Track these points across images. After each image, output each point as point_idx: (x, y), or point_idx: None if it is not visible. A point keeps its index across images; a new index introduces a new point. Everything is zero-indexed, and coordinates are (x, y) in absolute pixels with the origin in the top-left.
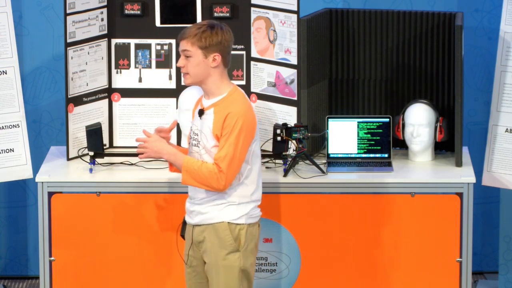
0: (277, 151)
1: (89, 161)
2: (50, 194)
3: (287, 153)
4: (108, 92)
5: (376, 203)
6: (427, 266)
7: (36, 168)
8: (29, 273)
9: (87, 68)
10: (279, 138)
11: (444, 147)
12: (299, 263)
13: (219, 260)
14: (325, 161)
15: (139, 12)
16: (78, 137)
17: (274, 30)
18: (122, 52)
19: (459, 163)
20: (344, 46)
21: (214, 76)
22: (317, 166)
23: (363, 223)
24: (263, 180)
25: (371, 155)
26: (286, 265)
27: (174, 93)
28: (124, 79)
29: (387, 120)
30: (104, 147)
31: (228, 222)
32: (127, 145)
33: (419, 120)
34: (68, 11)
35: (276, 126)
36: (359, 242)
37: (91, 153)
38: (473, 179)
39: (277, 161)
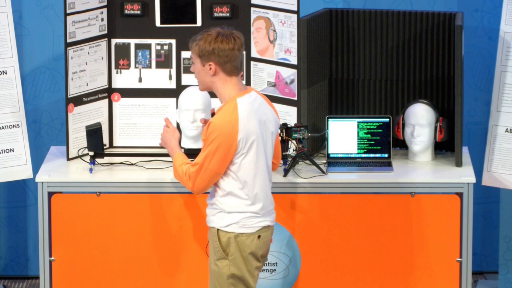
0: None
1: (89, 161)
2: (50, 194)
3: (287, 153)
4: (108, 92)
5: (376, 203)
6: (427, 266)
7: (36, 168)
8: (29, 273)
9: (87, 68)
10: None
11: (444, 147)
12: (299, 263)
13: (212, 264)
14: (325, 161)
15: (139, 12)
16: (78, 137)
17: (274, 30)
18: (122, 52)
19: (459, 163)
20: (344, 46)
21: (217, 83)
22: (317, 166)
23: (363, 223)
24: None
25: (371, 155)
26: (286, 265)
27: (174, 93)
28: (124, 79)
29: (387, 120)
30: (104, 147)
31: (217, 229)
32: (127, 145)
33: (419, 120)
34: (68, 11)
35: None
36: (359, 242)
37: (91, 153)
38: (473, 179)
39: None
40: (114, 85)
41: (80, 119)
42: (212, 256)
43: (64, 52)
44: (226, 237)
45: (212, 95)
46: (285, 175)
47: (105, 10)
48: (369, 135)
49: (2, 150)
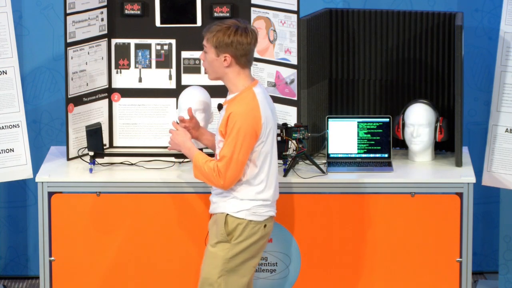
0: (277, 151)
1: (89, 161)
2: (50, 194)
3: (287, 153)
4: (108, 92)
5: (376, 203)
6: (427, 266)
7: (36, 168)
8: (29, 273)
9: (87, 68)
10: (279, 138)
11: (444, 147)
12: (299, 263)
13: (209, 246)
14: (325, 161)
15: (139, 12)
16: (78, 137)
17: (274, 30)
18: (122, 52)
19: (459, 163)
20: (344, 46)
21: (230, 74)
22: (317, 166)
23: (363, 223)
24: None
25: (371, 155)
26: (286, 265)
27: (174, 93)
28: (124, 79)
29: (387, 120)
30: (104, 147)
31: (227, 214)
32: (127, 145)
33: (419, 120)
34: (68, 11)
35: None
36: (359, 242)
37: (91, 153)
38: (473, 179)
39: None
40: (114, 85)
41: (80, 119)
42: (212, 239)
43: (64, 52)
44: (235, 223)
45: (212, 95)
46: (285, 175)
47: (105, 10)
48: (369, 135)
49: (2, 150)
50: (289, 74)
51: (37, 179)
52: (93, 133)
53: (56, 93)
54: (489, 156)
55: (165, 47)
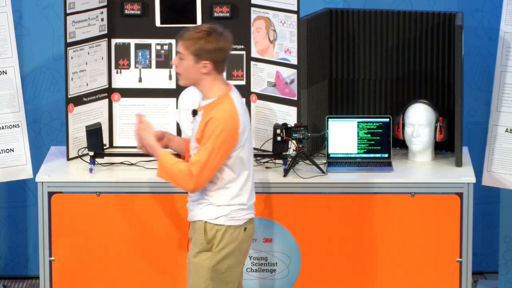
0: (277, 151)
1: (89, 161)
2: (50, 194)
3: (287, 153)
4: (108, 92)
5: (376, 203)
6: (427, 266)
7: (36, 168)
8: (29, 273)
9: (87, 68)
10: (279, 138)
11: (444, 147)
12: (299, 263)
13: (191, 257)
14: (325, 161)
15: (139, 12)
16: (78, 137)
17: (274, 30)
18: (122, 52)
19: (459, 163)
20: (344, 46)
21: (206, 80)
22: (317, 166)
23: (363, 223)
24: (263, 180)
25: (371, 155)
26: (286, 265)
27: (174, 93)
28: (124, 79)
29: (387, 120)
30: (104, 147)
31: (205, 222)
32: (127, 145)
33: (419, 120)
34: (68, 11)
35: (276, 126)
36: (359, 242)
37: (91, 153)
38: (473, 179)
39: (277, 161)
40: (114, 85)
41: (80, 119)
42: (193, 249)
43: (64, 52)
44: (214, 230)
45: None
46: (285, 175)
47: (105, 10)
48: (369, 135)
49: (2, 150)
50: (289, 74)
51: (37, 179)
52: (93, 133)
53: (56, 93)
54: (489, 156)
55: (165, 47)
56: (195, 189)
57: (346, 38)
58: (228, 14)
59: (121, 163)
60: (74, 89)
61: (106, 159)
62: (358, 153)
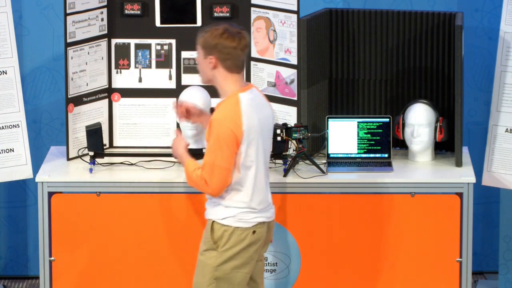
0: (277, 151)
1: (89, 161)
2: (50, 194)
3: (287, 153)
4: (108, 92)
5: (376, 203)
6: (427, 266)
7: (36, 168)
8: (29, 273)
9: (87, 68)
10: (279, 138)
11: (444, 147)
12: (299, 263)
13: (199, 254)
14: (325, 161)
15: (139, 12)
16: (78, 137)
17: (274, 30)
18: (122, 52)
19: (459, 163)
20: (344, 46)
21: (218, 78)
22: (317, 166)
23: (363, 223)
24: None
25: (371, 155)
26: (286, 265)
27: (174, 93)
28: (124, 79)
29: (387, 120)
30: (104, 147)
31: (213, 221)
32: (127, 145)
33: (419, 120)
34: (68, 11)
35: (276, 126)
36: (359, 242)
37: (91, 153)
38: (473, 179)
39: (277, 161)
40: (114, 85)
41: (80, 119)
42: (202, 246)
43: (64, 52)
44: (221, 230)
45: (212, 95)
46: (285, 175)
47: (105, 10)
48: (369, 135)
49: (2, 150)
50: (289, 74)
51: (37, 179)
52: (93, 133)
53: (56, 93)
54: (489, 156)
55: (165, 47)
56: (213, 193)
57: (346, 38)
58: (228, 14)
59: (121, 163)
60: (74, 89)
61: (106, 159)
62: (358, 153)
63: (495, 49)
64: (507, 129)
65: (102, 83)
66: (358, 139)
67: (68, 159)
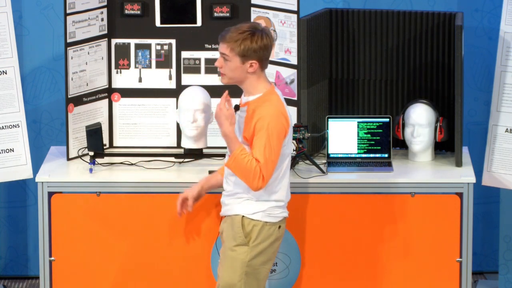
0: None
1: (89, 161)
2: (50, 194)
3: None
4: (108, 92)
5: (376, 203)
6: (427, 266)
7: (36, 168)
8: (29, 273)
9: (87, 68)
10: None
11: (444, 147)
12: (299, 263)
13: (228, 250)
14: (325, 161)
15: (139, 12)
16: (78, 137)
17: (274, 30)
18: (122, 52)
19: (459, 163)
20: (344, 46)
21: (251, 78)
22: (317, 166)
23: (363, 223)
24: None
25: (371, 155)
26: (286, 265)
27: (174, 93)
28: (124, 79)
29: (387, 120)
30: (104, 147)
31: (243, 216)
32: (127, 145)
33: (419, 120)
34: (68, 11)
35: None
36: (359, 242)
37: (91, 153)
38: (473, 179)
39: None
40: (114, 85)
41: (80, 119)
42: (231, 242)
43: (64, 52)
44: (251, 225)
45: (212, 95)
46: None
47: (105, 10)
48: (369, 135)
49: (2, 150)
50: (289, 74)
51: (37, 179)
52: (93, 133)
53: (56, 93)
54: (489, 156)
55: (165, 47)
56: (262, 187)
57: (346, 38)
58: (228, 14)
59: (121, 163)
60: (74, 89)
61: (106, 159)
62: (358, 153)
63: (495, 49)
64: (507, 129)
65: (102, 83)
66: (358, 139)
67: (68, 159)
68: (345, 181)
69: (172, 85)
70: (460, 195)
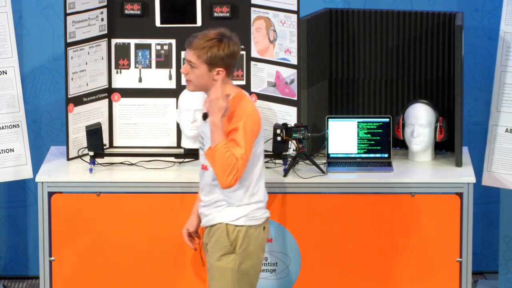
0: (277, 151)
1: (89, 161)
2: (50, 194)
3: (287, 153)
4: (108, 92)
5: (376, 203)
6: (427, 266)
7: (36, 168)
8: (29, 273)
9: (87, 68)
10: (279, 138)
11: (444, 147)
12: (299, 263)
13: (215, 262)
14: (325, 161)
15: (139, 12)
16: (78, 137)
17: (274, 30)
18: (122, 52)
19: (459, 163)
20: (344, 46)
21: (216, 84)
22: (317, 166)
23: (363, 223)
24: None
25: (371, 155)
26: (286, 265)
27: (174, 93)
28: (124, 79)
29: (387, 120)
30: (104, 147)
31: (226, 224)
32: (127, 145)
33: (419, 120)
34: (68, 11)
35: (276, 126)
36: (359, 242)
37: (91, 153)
38: (473, 179)
39: (277, 161)
40: (114, 85)
41: (80, 119)
42: (216, 253)
43: (64, 52)
44: (236, 231)
45: None
46: (285, 175)
47: (105, 10)
48: (369, 135)
49: (2, 150)
50: (289, 74)
51: (37, 179)
52: (93, 133)
53: (56, 93)
54: (489, 156)
55: (165, 47)
56: (234, 184)
57: (346, 38)
58: (228, 14)
59: (121, 163)
60: (74, 89)
61: (106, 159)
62: (358, 153)
63: (495, 49)
64: (507, 129)
65: (102, 83)
66: (358, 139)
67: (68, 159)
68: (345, 181)
69: (172, 85)
70: (460, 195)
